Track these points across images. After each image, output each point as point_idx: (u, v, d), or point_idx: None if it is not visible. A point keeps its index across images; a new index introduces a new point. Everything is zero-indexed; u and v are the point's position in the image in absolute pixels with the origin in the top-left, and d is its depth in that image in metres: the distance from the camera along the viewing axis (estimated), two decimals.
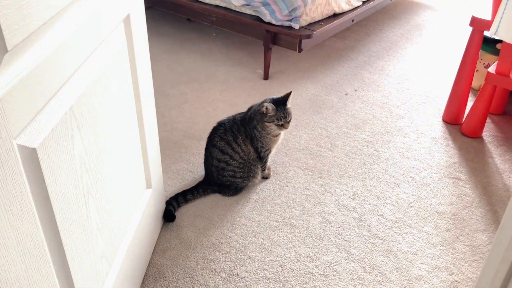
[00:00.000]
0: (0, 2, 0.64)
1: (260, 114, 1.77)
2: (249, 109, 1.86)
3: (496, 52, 2.49)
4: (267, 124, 1.78)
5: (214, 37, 3.23)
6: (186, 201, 1.82)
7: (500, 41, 2.48)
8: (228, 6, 2.69)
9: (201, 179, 1.91)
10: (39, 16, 0.75)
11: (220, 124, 1.84)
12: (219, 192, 1.87)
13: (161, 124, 2.28)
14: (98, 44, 1.00)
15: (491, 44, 2.52)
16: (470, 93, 2.59)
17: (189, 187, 1.86)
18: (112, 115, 1.11)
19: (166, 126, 2.28)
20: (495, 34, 1.95)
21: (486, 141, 2.26)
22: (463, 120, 2.35)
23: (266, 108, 1.75)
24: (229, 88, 2.63)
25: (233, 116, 1.87)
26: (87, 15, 0.93)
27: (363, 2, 2.90)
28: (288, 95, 1.79)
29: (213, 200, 1.85)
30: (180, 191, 1.83)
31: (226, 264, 1.58)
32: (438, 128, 2.35)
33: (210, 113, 2.40)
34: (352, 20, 2.88)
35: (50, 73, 0.80)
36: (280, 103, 1.77)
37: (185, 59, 2.93)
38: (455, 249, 1.68)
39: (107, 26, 1.04)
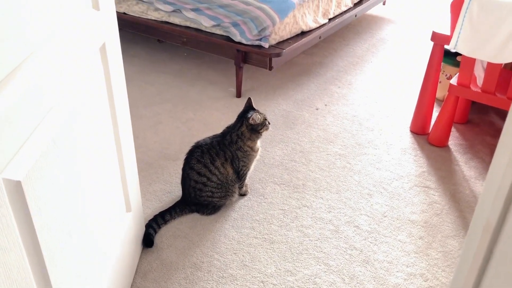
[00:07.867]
0: None
1: (250, 129, 1.83)
2: (225, 133, 1.88)
3: (457, 64, 2.61)
4: (259, 133, 1.85)
5: (186, 57, 3.26)
6: (165, 222, 1.83)
7: (460, 54, 2.60)
8: (199, 27, 2.73)
9: (179, 199, 1.93)
10: (15, 53, 0.77)
11: (197, 146, 1.86)
12: (197, 212, 1.89)
13: (136, 146, 2.27)
14: (76, 74, 1.02)
15: (452, 57, 2.64)
16: (435, 103, 2.70)
17: (167, 208, 1.87)
18: (91, 142, 1.12)
19: (141, 148, 2.29)
20: (454, 48, 2.05)
21: (452, 149, 2.37)
22: (430, 130, 2.45)
23: (253, 119, 1.81)
24: (203, 108, 2.66)
25: (210, 138, 1.88)
26: (65, 47, 0.95)
27: (329, 20, 3.00)
28: (249, 101, 1.92)
29: (192, 220, 1.87)
30: (158, 212, 1.84)
31: (208, 283, 1.60)
32: (406, 139, 2.44)
33: (184, 132, 2.43)
34: (320, 37, 2.96)
35: (30, 106, 0.81)
36: (251, 110, 1.88)
37: (157, 80, 2.95)
38: (429, 255, 1.74)
39: (85, 56, 1.06)
